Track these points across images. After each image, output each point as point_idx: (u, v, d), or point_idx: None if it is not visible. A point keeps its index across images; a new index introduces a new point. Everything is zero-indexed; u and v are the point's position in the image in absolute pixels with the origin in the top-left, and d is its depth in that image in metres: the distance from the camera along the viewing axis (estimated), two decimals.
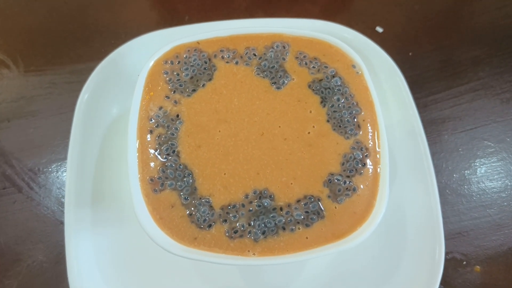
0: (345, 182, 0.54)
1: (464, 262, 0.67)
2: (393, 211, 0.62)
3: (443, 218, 0.62)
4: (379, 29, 0.83)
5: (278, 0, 0.87)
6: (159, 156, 0.56)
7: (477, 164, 0.73)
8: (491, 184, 0.72)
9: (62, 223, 0.68)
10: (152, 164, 0.55)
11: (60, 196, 0.71)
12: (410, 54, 0.81)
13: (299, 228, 0.53)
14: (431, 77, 0.79)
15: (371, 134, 0.57)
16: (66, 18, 0.86)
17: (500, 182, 0.72)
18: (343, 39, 0.64)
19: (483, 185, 0.72)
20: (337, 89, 0.59)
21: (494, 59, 0.80)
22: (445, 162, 0.73)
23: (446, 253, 0.65)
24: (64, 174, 0.72)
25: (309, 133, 0.57)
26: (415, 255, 0.62)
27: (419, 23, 0.84)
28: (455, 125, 0.76)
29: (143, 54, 0.66)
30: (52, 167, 0.73)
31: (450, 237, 0.68)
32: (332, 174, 0.55)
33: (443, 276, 0.59)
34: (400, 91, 0.70)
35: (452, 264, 0.67)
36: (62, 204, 0.70)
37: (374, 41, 0.71)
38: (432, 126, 0.75)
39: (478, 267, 0.67)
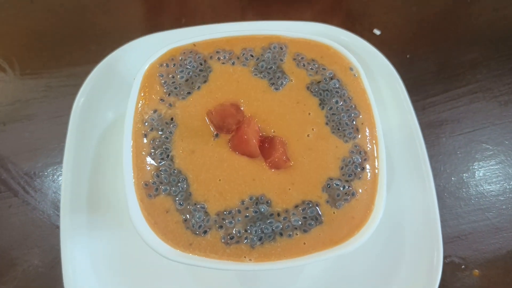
0: (344, 187, 0.54)
1: (463, 266, 0.67)
2: (391, 215, 0.62)
3: (441, 221, 0.61)
4: (377, 32, 0.82)
5: (274, 3, 0.87)
6: (153, 161, 0.55)
7: (475, 167, 0.73)
8: (490, 187, 0.71)
9: (57, 227, 0.68)
10: (146, 168, 0.55)
11: (56, 200, 0.71)
12: (407, 56, 0.81)
13: (296, 234, 0.52)
14: (429, 80, 0.79)
15: (369, 137, 0.57)
16: (62, 21, 0.86)
17: (498, 185, 0.71)
18: (341, 42, 0.64)
19: (482, 188, 0.71)
20: (336, 92, 0.59)
21: (492, 61, 0.80)
22: (443, 165, 0.73)
23: (445, 257, 0.64)
24: (60, 178, 0.72)
25: (308, 136, 0.56)
26: (414, 259, 0.62)
27: (417, 25, 0.84)
28: (453, 128, 0.75)
29: (139, 57, 0.65)
30: (48, 171, 0.73)
31: (448, 241, 0.68)
32: (331, 179, 0.54)
33: (442, 280, 0.59)
34: (398, 94, 0.69)
35: (450, 268, 0.67)
36: (57, 208, 0.70)
37: (372, 44, 0.71)
38: (430, 129, 0.75)
39: (476, 271, 0.67)
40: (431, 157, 0.65)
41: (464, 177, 0.72)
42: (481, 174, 0.72)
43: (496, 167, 0.73)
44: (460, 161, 0.73)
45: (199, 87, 0.59)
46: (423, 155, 0.65)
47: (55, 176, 0.72)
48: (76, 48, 0.82)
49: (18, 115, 0.76)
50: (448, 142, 0.74)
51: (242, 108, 0.58)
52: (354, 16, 0.84)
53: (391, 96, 0.70)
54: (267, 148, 0.54)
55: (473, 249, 0.68)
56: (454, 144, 0.74)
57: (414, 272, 0.61)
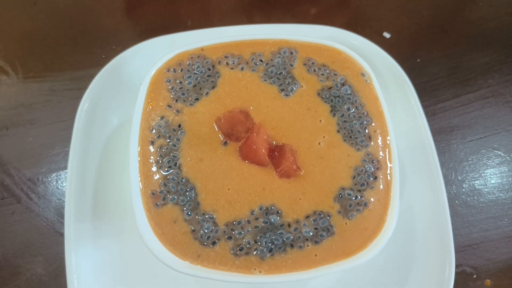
0: (356, 197, 0.53)
1: (474, 276, 0.66)
2: (401, 223, 0.60)
3: (453, 230, 0.60)
4: (387, 35, 0.81)
5: (279, 2, 0.85)
6: (160, 169, 0.54)
7: (487, 174, 0.71)
8: (502, 195, 0.70)
9: (61, 235, 0.66)
10: (153, 177, 0.53)
11: (60, 207, 0.69)
12: (418, 60, 0.79)
13: (308, 245, 0.51)
14: (440, 84, 0.77)
15: (381, 146, 0.55)
16: (66, 23, 0.84)
17: (511, 193, 0.70)
18: (351, 46, 0.63)
19: (494, 196, 0.70)
20: (347, 98, 0.57)
21: (504, 66, 0.78)
22: (454, 172, 0.71)
23: (456, 266, 0.62)
24: (64, 184, 0.70)
25: (319, 143, 0.55)
26: (425, 269, 0.60)
27: (428, 28, 0.82)
28: (464, 134, 0.74)
29: (146, 60, 0.64)
30: (52, 176, 0.71)
31: (459, 249, 0.66)
32: (343, 189, 0.53)
33: None
34: (409, 99, 0.68)
35: (462, 278, 0.65)
36: (62, 216, 0.68)
37: (381, 47, 0.70)
38: (441, 135, 0.73)
39: (488, 280, 0.65)
40: (442, 164, 0.64)
41: (475, 185, 0.70)
42: (493, 182, 0.71)
43: (509, 174, 0.71)
44: (471, 168, 0.71)
45: (207, 93, 0.58)
46: (434, 162, 0.63)
47: (59, 182, 0.71)
48: (80, 50, 0.81)
49: (21, 120, 0.75)
50: (459, 148, 0.73)
51: (251, 115, 0.56)
52: (363, 18, 0.83)
53: (401, 101, 0.68)
54: (277, 156, 0.53)
55: (485, 258, 0.66)
56: (465, 150, 0.73)
57: (425, 282, 0.60)
